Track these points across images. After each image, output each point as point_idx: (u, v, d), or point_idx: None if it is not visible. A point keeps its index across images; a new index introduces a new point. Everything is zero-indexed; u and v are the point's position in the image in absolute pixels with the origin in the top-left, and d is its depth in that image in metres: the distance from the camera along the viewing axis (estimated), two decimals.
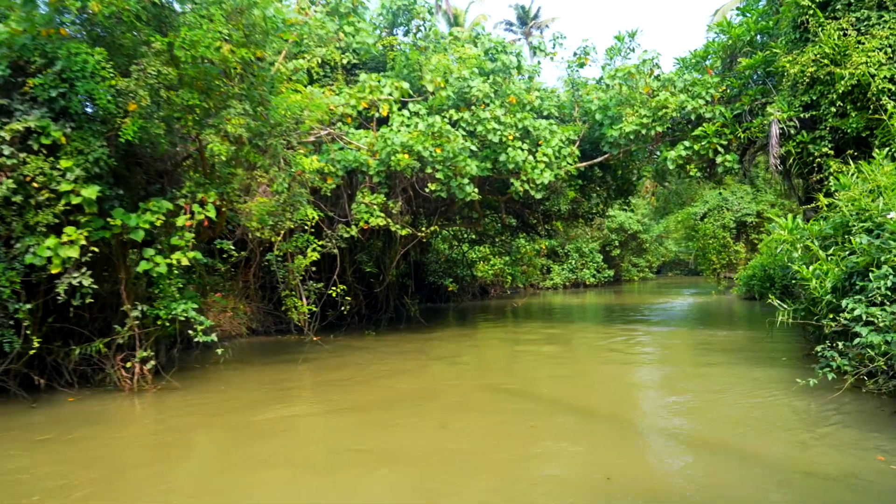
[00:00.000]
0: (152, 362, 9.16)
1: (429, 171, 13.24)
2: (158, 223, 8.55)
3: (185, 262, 8.78)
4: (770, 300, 18.58)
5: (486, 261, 29.70)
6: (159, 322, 8.94)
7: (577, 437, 6.49)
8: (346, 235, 13.27)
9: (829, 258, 9.00)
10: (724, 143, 13.41)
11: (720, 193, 26.57)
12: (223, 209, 10.41)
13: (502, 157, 13.88)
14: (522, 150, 14.06)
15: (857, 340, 7.43)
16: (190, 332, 9.14)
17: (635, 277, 44.65)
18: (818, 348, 7.97)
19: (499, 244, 25.73)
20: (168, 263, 8.69)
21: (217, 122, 8.60)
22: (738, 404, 7.53)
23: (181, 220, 8.79)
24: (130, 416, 8.07)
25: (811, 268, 9.03)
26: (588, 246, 38.47)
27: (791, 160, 12.22)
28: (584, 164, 15.70)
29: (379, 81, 10.98)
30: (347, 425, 7.24)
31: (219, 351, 9.51)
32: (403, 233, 13.65)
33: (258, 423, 7.34)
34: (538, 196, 14.41)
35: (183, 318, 8.86)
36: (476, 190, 13.77)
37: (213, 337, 9.29)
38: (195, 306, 9.08)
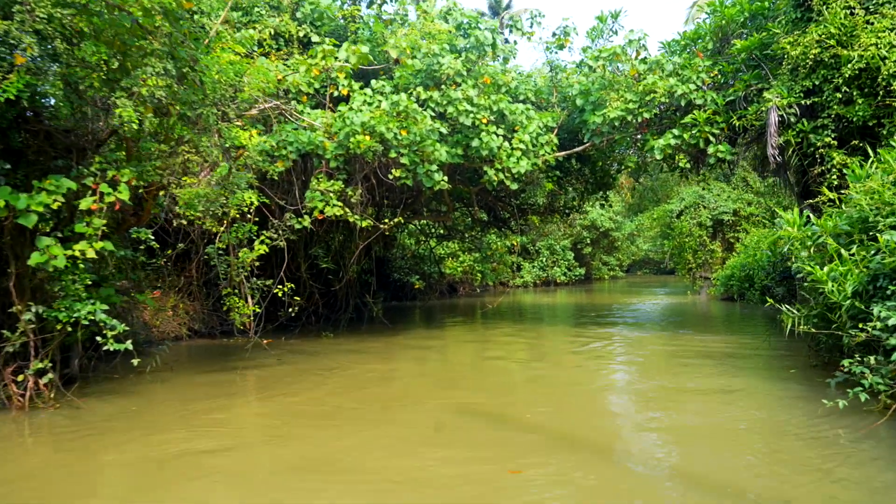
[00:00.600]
0: (50, 375, 7.57)
1: (393, 155, 11.80)
2: (55, 206, 6.97)
3: (90, 253, 7.20)
4: (750, 301, 17.42)
5: (455, 257, 28.35)
6: (59, 326, 7.35)
7: (565, 485, 5.15)
8: (297, 227, 11.76)
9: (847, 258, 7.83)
10: (717, 131, 12.23)
11: (703, 189, 25.60)
12: (151, 192, 8.84)
13: (475, 143, 12.51)
14: (497, 135, 12.71)
15: (895, 356, 6.26)
16: (98, 338, 7.56)
17: (606, 276, 43.82)
18: (846, 363, 6.76)
19: (468, 240, 24.39)
20: (70, 255, 7.12)
21: (130, 83, 7.04)
22: (755, 433, 6.28)
23: (85, 203, 7.21)
24: (6, 444, 6.48)
25: (826, 269, 7.84)
26: (560, 243, 37.42)
27: (790, 151, 11.09)
28: (564, 153, 14.43)
29: (333, 44, 9.50)
30: (277, 468, 5.78)
31: (134, 361, 7.94)
32: (364, 224, 12.20)
33: (163, 460, 5.82)
34: (514, 187, 13.08)
35: (87, 322, 7.29)
36: (445, 179, 12.38)
37: (128, 345, 7.73)
38: (105, 307, 7.52)
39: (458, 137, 12.87)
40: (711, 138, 12.32)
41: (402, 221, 12.64)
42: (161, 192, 9.36)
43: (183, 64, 7.46)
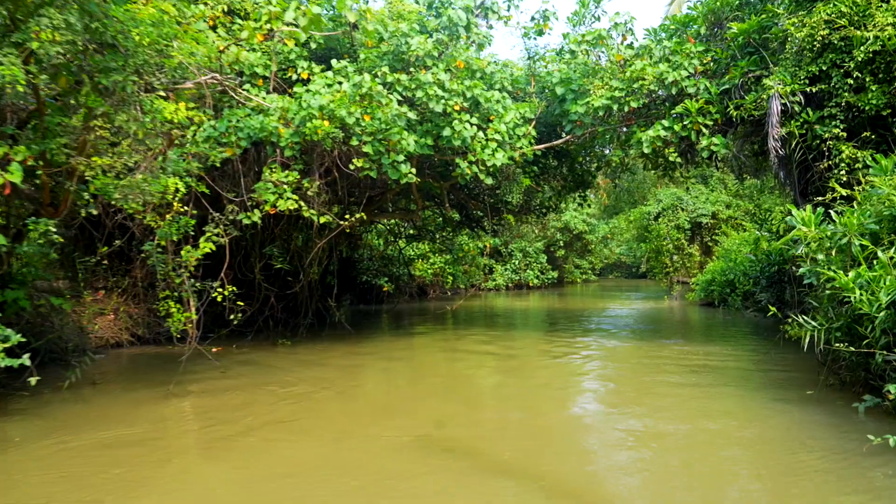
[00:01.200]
0: None
1: (354, 143, 10.49)
2: None
3: None
4: (732, 307, 16.42)
5: (426, 259, 27.08)
6: None
7: None
8: (245, 221, 10.36)
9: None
10: (710, 123, 11.16)
11: (683, 190, 24.74)
12: (74, 177, 7.41)
13: (446, 132, 11.25)
14: (471, 124, 11.47)
15: None
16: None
17: (578, 279, 42.92)
18: (891, 389, 5.64)
19: (440, 241, 23.13)
20: None
21: (21, 37, 5.62)
22: (790, 479, 5.11)
23: None
24: None
25: (850, 275, 6.75)
26: (532, 246, 36.38)
27: (793, 144, 10.04)
28: (542, 146, 13.25)
29: (281, 6, 8.15)
30: None
31: (32, 380, 6.50)
32: (322, 221, 10.84)
33: None
34: (488, 181, 11.85)
35: None
36: (413, 171, 11.10)
37: (25, 359, 6.29)
38: None
39: (428, 126, 11.61)
40: (704, 130, 11.25)
41: (366, 219, 11.33)
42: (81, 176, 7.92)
43: (92, 19, 6.05)
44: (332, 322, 16.02)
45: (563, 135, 13.06)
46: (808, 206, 8.08)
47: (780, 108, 9.98)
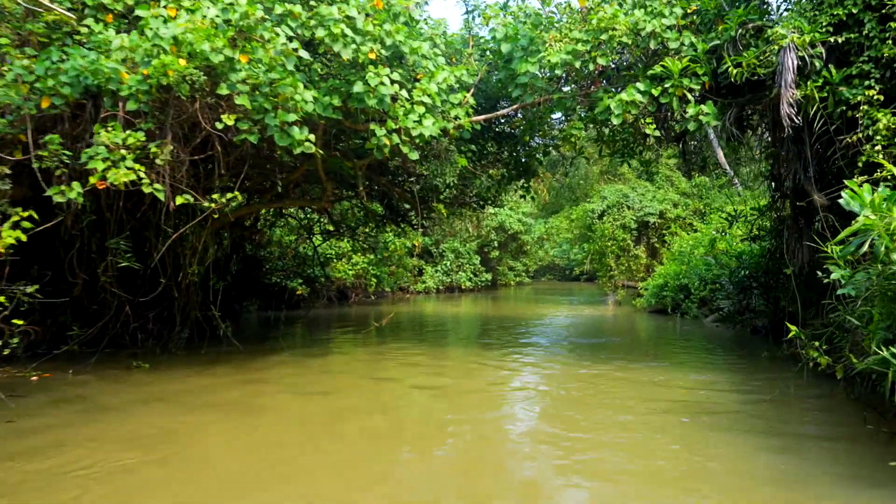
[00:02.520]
0: None
1: (224, 91, 7.37)
2: None
3: None
4: (689, 315, 14.06)
5: (347, 259, 23.90)
6: None
7: None
8: (58, 199, 7.10)
9: None
10: (696, 87, 8.63)
11: (633, 188, 22.56)
12: None
13: (357, 87, 8.27)
14: (391, 80, 8.54)
15: None
16: None
17: (512, 282, 40.64)
18: None
19: (361, 238, 20.03)
20: None
21: None
22: None
23: None
24: None
25: None
26: (465, 246, 33.73)
27: (813, 109, 7.60)
28: (484, 116, 10.47)
29: None
30: None
31: None
32: (179, 201, 7.65)
33: None
34: (413, 156, 8.93)
35: None
36: (311, 138, 8.06)
37: None
38: None
39: (335, 82, 8.61)
40: (689, 96, 8.71)
41: (241, 199, 8.20)
42: None
43: None
44: (227, 335, 12.71)
45: (512, 100, 10.34)
46: (866, 186, 5.56)
47: (795, 63, 7.52)
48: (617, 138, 12.93)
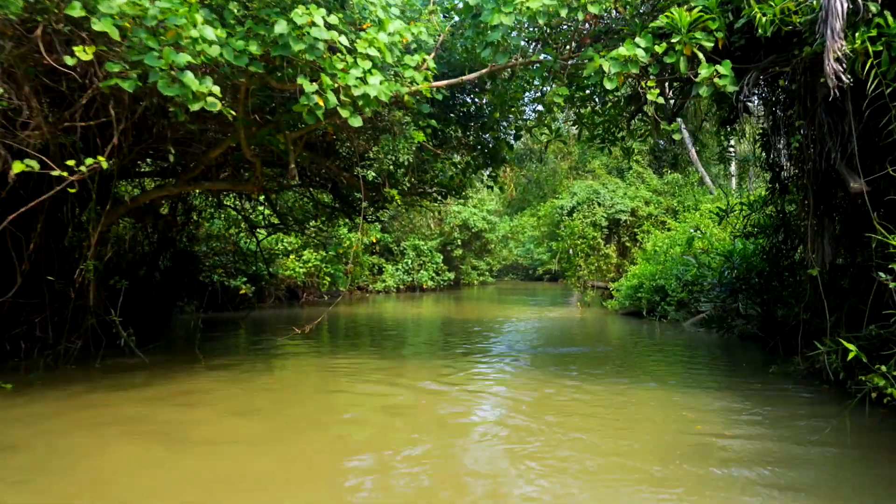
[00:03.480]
0: None
1: (76, 12, 5.25)
2: None
3: None
4: (670, 319, 12.60)
5: (298, 256, 21.68)
6: None
7: None
8: None
9: None
10: (710, 43, 6.82)
11: (603, 185, 20.91)
12: None
13: (281, 27, 6.23)
14: (327, 23, 6.52)
15: None
16: None
17: (475, 281, 38.83)
18: None
19: (313, 233, 17.91)
20: None
21: None
22: None
23: None
24: None
25: None
26: (427, 244, 31.76)
27: (866, 68, 5.84)
28: (446, 83, 8.51)
29: None
30: None
31: None
32: (18, 169, 5.49)
33: None
34: (355, 123, 6.91)
35: None
36: (216, 91, 5.98)
37: None
38: None
39: (252, 24, 6.54)
40: (699, 54, 6.90)
41: (106, 167, 6.05)
42: None
43: None
44: (129, 344, 10.47)
45: (482, 61, 8.42)
46: None
47: (845, 7, 5.76)
48: (598, 120, 11.19)
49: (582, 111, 11.10)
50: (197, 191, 12.79)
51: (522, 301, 26.18)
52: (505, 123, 12.07)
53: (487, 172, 13.16)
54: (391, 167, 9.35)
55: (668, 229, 19.18)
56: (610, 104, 10.60)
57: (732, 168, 25.75)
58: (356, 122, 6.99)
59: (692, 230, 16.26)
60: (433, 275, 32.04)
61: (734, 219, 12.16)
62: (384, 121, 8.34)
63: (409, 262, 31.28)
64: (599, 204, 20.58)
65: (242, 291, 19.41)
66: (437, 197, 13.65)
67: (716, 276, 12.72)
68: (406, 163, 8.62)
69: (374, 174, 10.22)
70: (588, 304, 21.26)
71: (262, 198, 15.04)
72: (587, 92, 10.16)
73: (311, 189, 14.57)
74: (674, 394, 7.65)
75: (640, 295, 16.48)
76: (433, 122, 9.41)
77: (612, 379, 8.68)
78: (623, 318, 17.44)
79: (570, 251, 20.51)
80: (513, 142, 12.14)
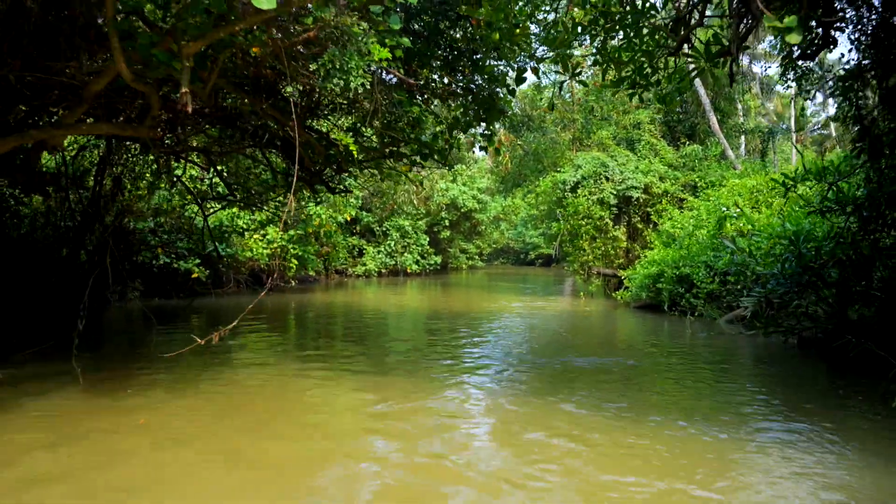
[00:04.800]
0: None
1: None
2: None
3: None
4: (705, 316, 9.57)
5: (262, 235, 18.67)
6: None
7: None
8: None
9: None
10: None
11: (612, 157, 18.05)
12: None
13: None
14: None
15: None
16: None
17: (464, 265, 36.02)
18: None
19: (272, 209, 14.92)
20: None
21: None
22: None
23: None
24: None
25: None
26: (413, 224, 28.82)
27: None
28: None
29: None
30: None
31: None
32: None
33: None
34: (264, 4, 3.97)
35: None
36: None
37: None
38: None
39: None
40: None
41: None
42: None
43: None
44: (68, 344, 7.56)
45: None
46: None
47: None
48: (627, 56, 8.35)
49: (607, 44, 8.28)
50: (90, 138, 9.80)
51: (516, 289, 23.38)
52: (502, 66, 9.21)
53: (481, 130, 10.23)
54: (340, 98, 6.39)
55: (690, 209, 16.38)
56: (647, 33, 7.84)
57: (739, 147, 23.03)
58: (265, 2, 4.04)
59: (724, 209, 13.46)
60: (418, 258, 29.17)
61: (792, 194, 9.38)
62: (325, 28, 5.39)
63: (393, 244, 28.37)
64: (608, 179, 17.71)
65: (195, 275, 16.47)
66: (416, 160, 10.68)
67: (767, 265, 9.91)
68: (361, 90, 5.66)
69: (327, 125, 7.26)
70: (591, 294, 18.47)
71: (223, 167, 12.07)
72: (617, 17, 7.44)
73: (261, 151, 11.58)
74: (768, 454, 4.84)
75: (661, 285, 13.70)
76: (405, 40, 6.45)
77: (650, 420, 5.87)
78: (637, 312, 14.65)
79: (573, 233, 17.67)
80: (513, 87, 9.20)
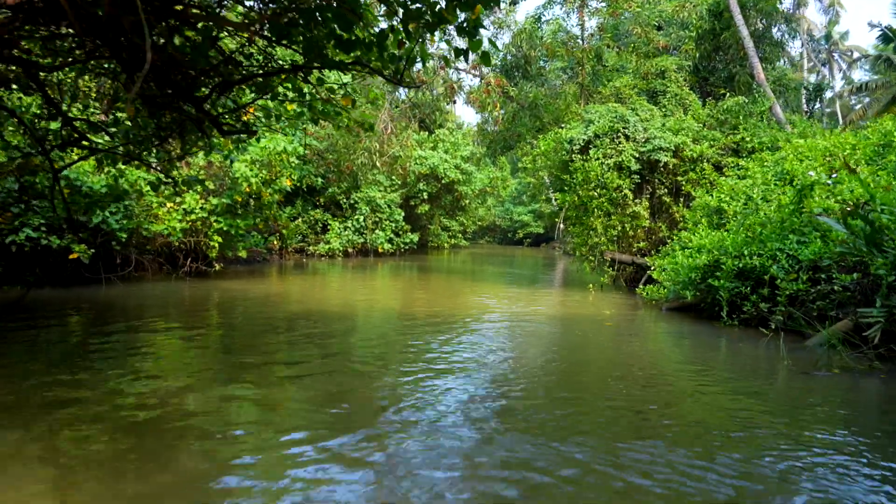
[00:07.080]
0: None
1: None
2: None
3: None
4: (776, 327, 5.92)
5: (176, 203, 14.02)
6: None
7: None
8: None
9: None
10: None
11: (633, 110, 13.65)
12: None
13: None
14: None
15: None
16: None
17: (445, 244, 31.57)
18: None
19: (159, 164, 10.27)
20: None
21: None
22: None
23: None
24: None
25: None
26: (385, 197, 24.25)
27: None
28: None
29: None
30: None
31: None
32: None
33: None
34: None
35: None
36: None
37: None
38: None
39: None
40: None
41: None
42: None
43: None
44: None
45: None
46: None
47: None
48: None
49: None
50: None
51: (502, 276, 19.01)
52: None
53: (461, 18, 5.70)
54: None
55: (740, 177, 12.04)
56: None
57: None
58: None
59: (811, 174, 9.12)
60: (392, 236, 24.68)
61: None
62: None
63: (362, 219, 23.83)
64: (627, 137, 13.27)
65: (74, 256, 11.89)
66: (358, 69, 6.11)
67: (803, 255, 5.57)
68: None
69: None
70: (601, 286, 14.11)
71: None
72: None
73: (105, 64, 6.97)
74: None
75: (716, 282, 9.33)
76: None
77: None
78: (677, 318, 10.31)
79: (582, 207, 13.26)
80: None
